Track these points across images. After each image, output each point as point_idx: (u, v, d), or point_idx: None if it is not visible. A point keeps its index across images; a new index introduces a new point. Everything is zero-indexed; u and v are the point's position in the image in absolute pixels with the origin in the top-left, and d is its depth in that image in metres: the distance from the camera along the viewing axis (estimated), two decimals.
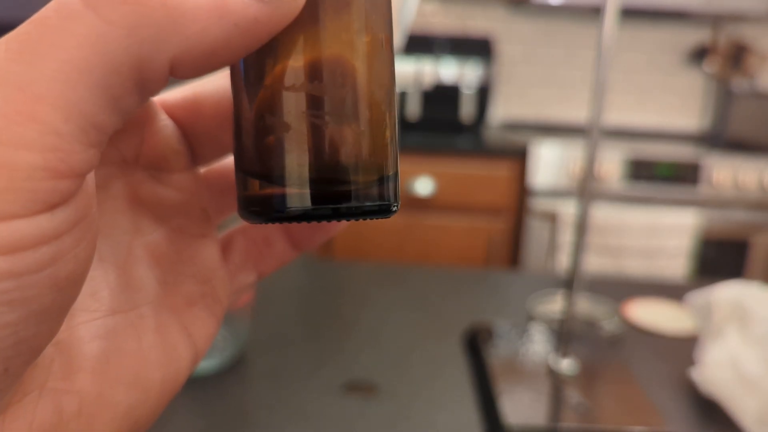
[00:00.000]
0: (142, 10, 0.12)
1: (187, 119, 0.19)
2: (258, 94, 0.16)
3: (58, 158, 0.12)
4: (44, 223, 0.12)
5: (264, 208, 0.16)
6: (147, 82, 0.13)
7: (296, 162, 0.15)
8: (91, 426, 0.16)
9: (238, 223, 0.22)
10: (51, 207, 0.12)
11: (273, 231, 0.22)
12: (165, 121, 0.19)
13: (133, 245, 0.18)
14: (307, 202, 0.16)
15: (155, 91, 0.14)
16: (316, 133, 0.15)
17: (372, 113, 0.16)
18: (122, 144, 0.18)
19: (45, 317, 0.13)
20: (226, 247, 0.22)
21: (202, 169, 0.21)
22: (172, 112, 0.19)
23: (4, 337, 0.12)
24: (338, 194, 0.16)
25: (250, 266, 0.22)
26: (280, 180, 0.16)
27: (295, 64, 0.15)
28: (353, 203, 0.16)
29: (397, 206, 0.17)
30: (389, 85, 0.17)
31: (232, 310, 0.59)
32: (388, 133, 0.17)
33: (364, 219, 0.16)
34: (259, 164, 0.16)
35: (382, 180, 0.16)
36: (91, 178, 0.14)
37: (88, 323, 0.16)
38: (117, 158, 0.18)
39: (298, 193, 0.16)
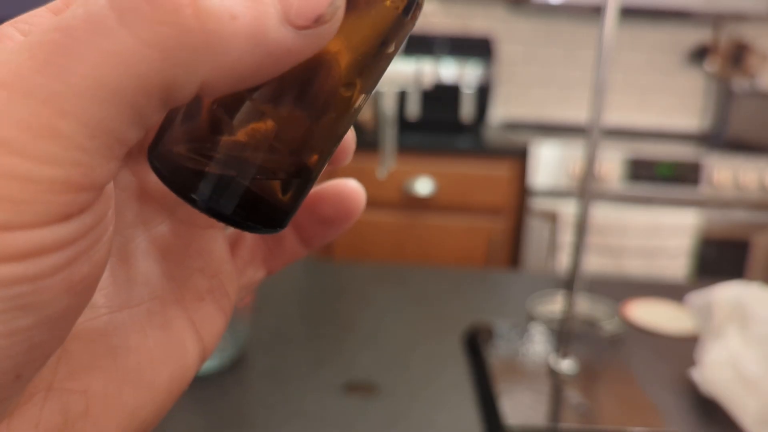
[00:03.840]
0: (180, 33, 0.12)
1: None
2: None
3: (80, 173, 0.12)
4: (61, 230, 0.12)
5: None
6: (173, 101, 0.13)
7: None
8: (98, 426, 0.15)
9: None
10: (68, 217, 0.12)
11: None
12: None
13: (140, 239, 0.18)
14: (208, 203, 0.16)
15: (179, 106, 0.14)
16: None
17: (286, 166, 0.16)
18: None
19: (58, 322, 0.13)
20: (234, 243, 0.21)
21: None
22: None
23: (17, 343, 0.12)
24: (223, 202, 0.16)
25: (258, 262, 0.22)
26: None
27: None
28: (236, 217, 0.16)
29: (277, 231, 0.18)
30: (322, 153, 0.17)
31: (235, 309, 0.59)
32: (290, 184, 0.17)
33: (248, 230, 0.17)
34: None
35: (267, 218, 0.17)
36: (110, 183, 0.13)
37: (94, 320, 0.16)
38: None
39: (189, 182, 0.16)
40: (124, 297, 0.17)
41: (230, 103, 0.16)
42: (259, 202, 0.16)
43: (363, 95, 0.17)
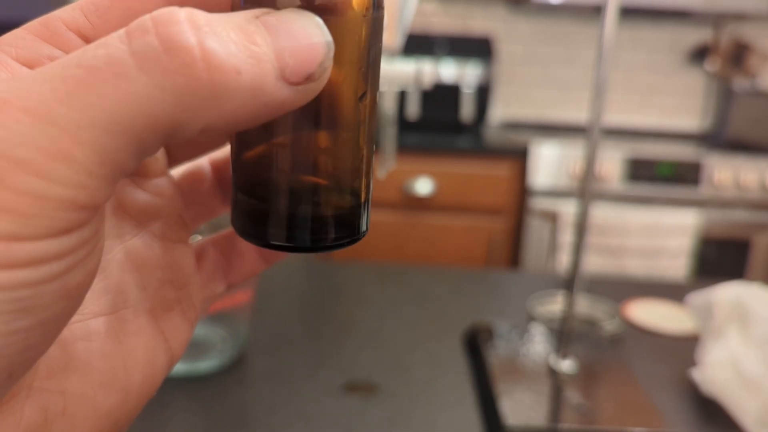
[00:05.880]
0: (191, 82, 0.13)
1: None
2: (255, 148, 0.18)
3: (85, 194, 0.13)
4: (62, 242, 0.13)
5: (257, 234, 0.18)
6: (176, 138, 0.15)
7: (279, 206, 0.18)
8: (74, 426, 0.16)
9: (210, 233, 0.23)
10: (69, 231, 0.13)
11: (244, 243, 0.23)
12: None
13: (116, 251, 0.19)
14: (288, 240, 0.18)
15: (179, 143, 0.15)
16: (294, 190, 0.18)
17: (351, 178, 0.18)
18: None
19: (53, 324, 0.14)
20: (198, 257, 0.22)
21: (176, 177, 0.22)
22: None
23: (14, 343, 0.13)
24: (314, 237, 0.18)
25: (219, 276, 0.23)
26: (267, 215, 0.18)
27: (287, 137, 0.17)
28: (322, 244, 0.18)
29: (364, 233, 0.19)
30: (369, 150, 0.19)
31: (225, 311, 0.59)
32: (358, 191, 0.19)
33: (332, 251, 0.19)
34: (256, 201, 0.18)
35: (348, 229, 0.19)
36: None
37: (72, 325, 0.17)
38: None
39: (278, 230, 0.18)
40: (101, 305, 0.18)
41: (272, 152, 0.17)
42: (333, 222, 0.18)
43: (374, 93, 0.18)
